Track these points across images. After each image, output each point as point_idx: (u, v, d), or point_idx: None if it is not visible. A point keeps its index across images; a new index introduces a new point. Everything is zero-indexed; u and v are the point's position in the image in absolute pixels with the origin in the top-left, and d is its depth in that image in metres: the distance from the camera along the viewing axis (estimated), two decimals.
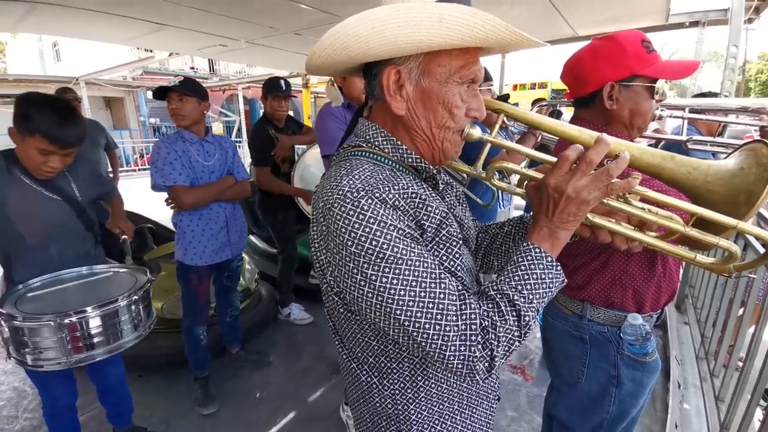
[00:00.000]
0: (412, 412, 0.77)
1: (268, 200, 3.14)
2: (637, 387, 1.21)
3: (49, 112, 1.49)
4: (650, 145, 2.81)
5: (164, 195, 2.18)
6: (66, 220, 1.69)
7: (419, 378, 0.76)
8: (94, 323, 1.38)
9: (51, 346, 1.34)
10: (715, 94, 2.76)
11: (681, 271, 2.55)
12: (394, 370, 0.76)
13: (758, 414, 1.59)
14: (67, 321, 1.33)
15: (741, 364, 1.76)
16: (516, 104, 2.50)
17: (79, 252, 1.75)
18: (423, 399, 0.77)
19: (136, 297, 1.50)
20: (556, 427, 1.41)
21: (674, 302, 3.16)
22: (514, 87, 12.88)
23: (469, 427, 0.83)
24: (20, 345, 1.36)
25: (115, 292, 1.48)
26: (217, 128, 15.92)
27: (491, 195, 2.26)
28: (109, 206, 1.98)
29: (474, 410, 0.84)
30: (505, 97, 2.90)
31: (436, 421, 0.79)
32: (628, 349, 1.18)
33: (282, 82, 3.04)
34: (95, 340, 1.39)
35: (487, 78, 2.51)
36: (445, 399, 0.79)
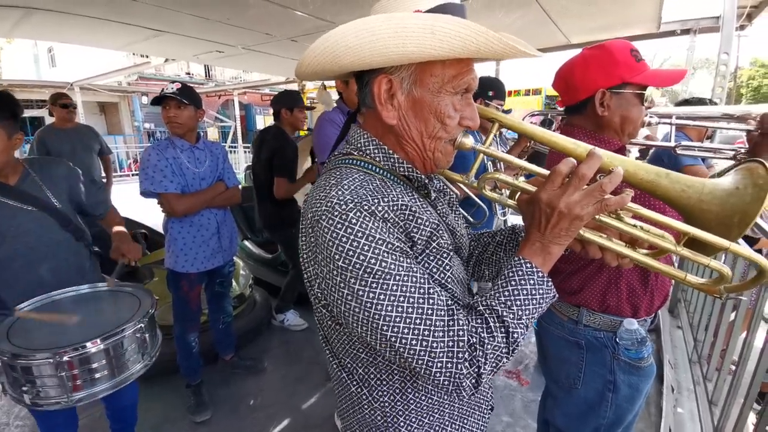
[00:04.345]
0: (402, 424, 0.76)
1: (276, 216, 3.11)
2: (634, 392, 1.21)
3: None
4: (641, 151, 2.82)
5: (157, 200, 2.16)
6: (49, 233, 1.51)
7: (409, 390, 0.75)
8: (98, 357, 1.23)
9: (50, 384, 1.19)
10: (701, 100, 2.80)
11: None
12: (384, 382, 0.75)
13: (751, 418, 1.59)
14: (66, 358, 1.17)
15: (734, 367, 1.77)
16: (509, 111, 2.51)
17: (72, 266, 1.60)
18: (413, 411, 0.76)
19: (142, 325, 1.34)
20: None
21: (667, 306, 3.18)
22: (509, 93, 12.91)
23: None
24: (15, 382, 1.20)
25: (119, 318, 1.33)
26: (213, 133, 15.89)
27: (482, 214, 2.27)
28: (108, 227, 1.78)
29: (465, 421, 0.83)
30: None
31: None
32: (624, 354, 1.19)
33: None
34: (97, 375, 1.24)
35: (501, 96, 2.48)
36: (435, 410, 0.78)
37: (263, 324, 3.27)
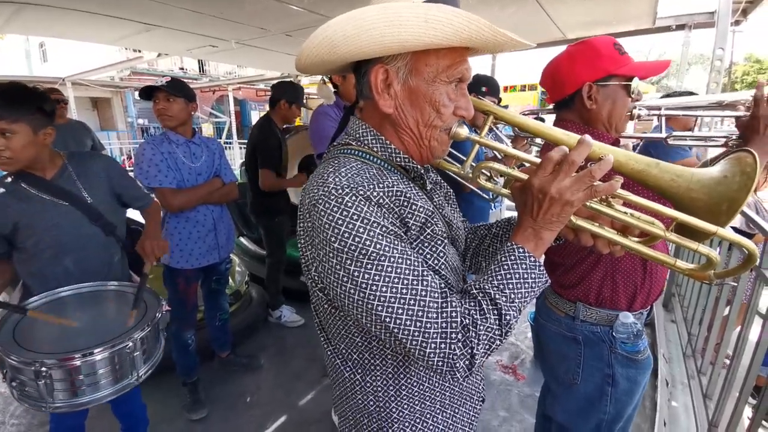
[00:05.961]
0: (394, 409, 0.78)
1: (262, 204, 3.11)
2: (632, 385, 1.22)
3: None
4: (634, 147, 2.84)
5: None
6: (78, 227, 1.52)
7: (401, 375, 0.76)
8: (102, 363, 1.21)
9: (60, 388, 1.18)
10: (690, 93, 2.80)
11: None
12: (377, 367, 0.76)
13: (747, 412, 1.61)
14: (72, 363, 1.16)
15: (728, 361, 1.78)
16: (506, 107, 2.52)
17: (99, 260, 1.60)
18: (405, 397, 0.77)
19: (148, 329, 1.32)
20: (555, 429, 1.42)
21: (662, 301, 3.21)
22: (505, 89, 13.05)
23: (451, 426, 0.83)
24: (15, 381, 1.19)
25: (125, 323, 1.31)
26: (207, 129, 15.79)
27: None
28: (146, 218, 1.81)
29: (456, 410, 0.84)
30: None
31: (417, 420, 0.79)
32: (621, 347, 1.19)
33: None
34: (102, 381, 1.22)
35: (494, 92, 2.52)
36: (427, 398, 0.80)
37: (259, 321, 3.27)
